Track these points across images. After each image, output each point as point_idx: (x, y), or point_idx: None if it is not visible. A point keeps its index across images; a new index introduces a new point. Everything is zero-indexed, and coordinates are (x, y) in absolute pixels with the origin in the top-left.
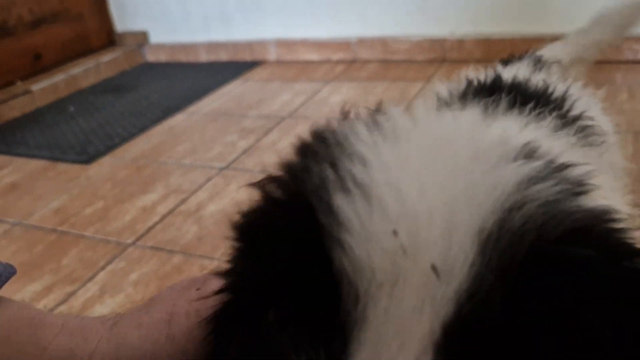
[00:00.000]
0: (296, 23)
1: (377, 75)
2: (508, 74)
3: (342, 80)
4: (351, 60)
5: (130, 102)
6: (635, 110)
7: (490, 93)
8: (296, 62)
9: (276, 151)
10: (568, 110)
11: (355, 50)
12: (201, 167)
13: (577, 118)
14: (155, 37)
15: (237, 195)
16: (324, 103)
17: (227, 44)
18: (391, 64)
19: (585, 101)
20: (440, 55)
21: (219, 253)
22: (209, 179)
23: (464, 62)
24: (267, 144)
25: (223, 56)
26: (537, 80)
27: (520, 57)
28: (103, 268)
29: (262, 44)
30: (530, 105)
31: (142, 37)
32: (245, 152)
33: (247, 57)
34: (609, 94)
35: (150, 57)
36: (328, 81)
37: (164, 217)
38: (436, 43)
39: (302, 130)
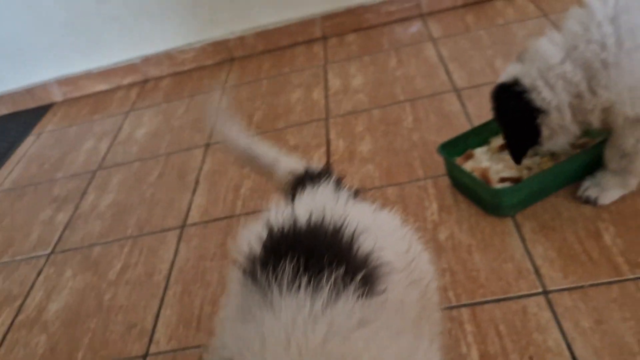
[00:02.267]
0: (74, 56)
1: (174, 93)
2: (306, 207)
3: (140, 107)
4: (143, 80)
5: None
6: (407, 76)
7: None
8: (87, 97)
9: (100, 215)
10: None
11: (143, 70)
12: (24, 260)
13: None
14: None
15: (77, 283)
16: (130, 141)
17: (1, 96)
18: (183, 75)
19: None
20: (227, 55)
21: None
22: (38, 273)
23: (250, 56)
24: (87, 209)
25: (2, 111)
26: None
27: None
28: None
29: (42, 86)
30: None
31: None
32: (67, 227)
33: (30, 104)
34: (382, 63)
35: None
36: (126, 112)
37: (4, 335)
38: (220, 45)
39: (120, 181)
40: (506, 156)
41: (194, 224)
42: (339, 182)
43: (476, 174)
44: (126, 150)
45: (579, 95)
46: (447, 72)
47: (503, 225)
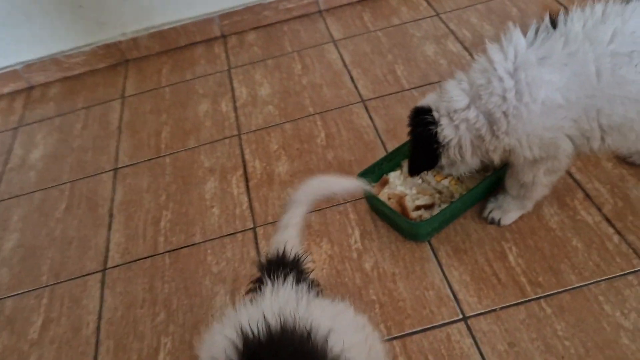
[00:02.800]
0: None
1: (67, 102)
2: (271, 307)
3: (30, 122)
4: (27, 88)
5: None
6: (314, 85)
7: None
8: None
9: (6, 262)
10: None
11: (26, 77)
12: None
13: None
14: None
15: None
16: (26, 167)
17: None
18: (74, 80)
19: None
20: (121, 57)
21: None
22: None
23: (147, 58)
24: None
25: None
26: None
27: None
28: None
29: None
30: None
31: None
32: None
33: None
34: (286, 68)
35: None
36: (15, 128)
37: None
38: (112, 47)
39: (22, 217)
40: (418, 180)
41: (116, 266)
42: (299, 276)
43: (394, 201)
44: (23, 179)
45: (480, 137)
46: (352, 80)
47: (421, 251)
